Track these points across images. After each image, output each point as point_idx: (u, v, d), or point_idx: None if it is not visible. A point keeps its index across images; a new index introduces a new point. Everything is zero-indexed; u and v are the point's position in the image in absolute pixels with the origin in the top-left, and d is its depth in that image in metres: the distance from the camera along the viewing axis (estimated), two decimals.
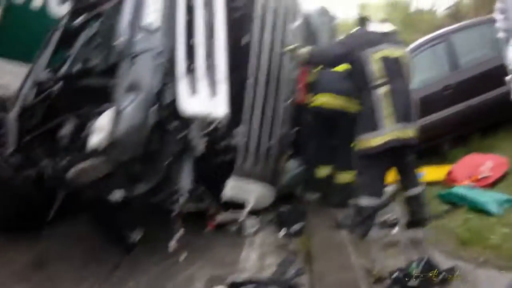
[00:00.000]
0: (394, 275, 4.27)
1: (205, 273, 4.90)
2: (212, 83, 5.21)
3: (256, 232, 5.96)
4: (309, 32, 7.18)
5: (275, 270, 4.84)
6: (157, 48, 5.05)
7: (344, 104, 6.36)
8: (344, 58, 5.58)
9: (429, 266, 4.28)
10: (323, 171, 6.76)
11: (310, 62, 6.00)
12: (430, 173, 7.25)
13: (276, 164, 6.35)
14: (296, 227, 5.92)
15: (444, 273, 4.26)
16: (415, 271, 4.19)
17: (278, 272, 4.80)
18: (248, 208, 6.05)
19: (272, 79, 6.23)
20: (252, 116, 6.05)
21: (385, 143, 5.22)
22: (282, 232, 5.91)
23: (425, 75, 8.74)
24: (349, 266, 4.63)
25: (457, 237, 5.29)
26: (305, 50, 5.93)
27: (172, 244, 5.12)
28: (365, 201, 5.41)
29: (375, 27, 5.59)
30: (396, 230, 5.77)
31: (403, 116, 5.23)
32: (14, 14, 7.92)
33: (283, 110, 6.33)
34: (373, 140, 5.30)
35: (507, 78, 5.76)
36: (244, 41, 6.39)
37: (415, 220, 5.53)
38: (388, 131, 5.22)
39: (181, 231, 5.12)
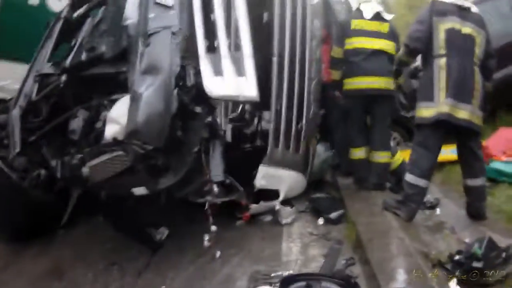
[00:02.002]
0: (456, 257, 3.99)
1: (245, 270, 4.46)
2: (238, 62, 4.73)
3: (292, 222, 5.53)
4: (327, 8, 6.72)
5: (323, 262, 4.42)
6: (174, 25, 4.58)
7: (383, 85, 6.05)
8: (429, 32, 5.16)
9: (491, 246, 3.98)
10: (358, 153, 6.34)
11: (411, 54, 5.48)
12: None
13: (306, 149, 5.95)
14: (334, 214, 5.51)
15: (505, 252, 3.99)
16: (479, 252, 3.86)
17: (326, 264, 4.37)
18: (281, 197, 5.64)
19: (297, 58, 5.81)
20: (279, 97, 5.62)
21: (434, 116, 4.91)
22: (321, 221, 5.51)
23: None
24: (407, 251, 4.21)
25: (507, 214, 5.07)
26: (400, 52, 5.61)
27: (206, 240, 4.69)
28: (412, 179, 5.04)
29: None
30: (438, 211, 5.55)
31: (456, 93, 4.88)
32: (12, 11, 7.40)
33: (311, 90, 5.90)
34: (425, 110, 5.01)
35: None
36: (265, 18, 5.95)
37: (470, 213, 5.20)
38: (438, 105, 4.90)
39: (214, 226, 4.66)
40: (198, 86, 4.50)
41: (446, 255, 4.11)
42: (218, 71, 4.59)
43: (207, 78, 4.52)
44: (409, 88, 7.40)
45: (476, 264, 3.78)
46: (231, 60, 4.70)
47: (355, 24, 6.26)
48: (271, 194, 5.65)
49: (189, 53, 4.59)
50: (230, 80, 4.61)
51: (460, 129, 4.98)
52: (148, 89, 4.23)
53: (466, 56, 4.99)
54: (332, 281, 3.73)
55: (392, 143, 7.19)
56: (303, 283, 3.68)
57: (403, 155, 6.49)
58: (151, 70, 4.34)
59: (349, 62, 6.23)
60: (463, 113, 4.88)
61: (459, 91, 4.89)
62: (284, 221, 5.50)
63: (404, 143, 7.52)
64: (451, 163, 6.42)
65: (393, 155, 6.41)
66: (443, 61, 4.95)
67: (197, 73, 4.52)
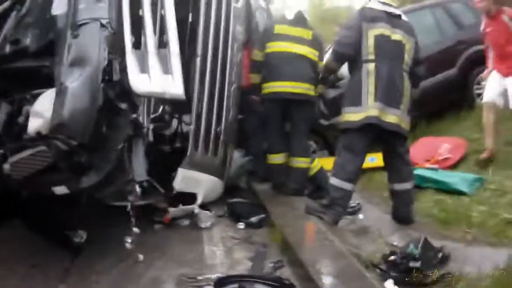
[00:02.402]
0: (391, 258, 4.01)
1: (170, 273, 4.32)
2: (164, 59, 4.62)
3: (211, 226, 5.46)
4: (249, 12, 6.70)
5: (252, 265, 4.39)
6: (103, 17, 4.41)
7: (302, 90, 6.07)
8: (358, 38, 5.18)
9: (427, 246, 4.06)
10: (276, 158, 6.35)
11: (340, 60, 5.47)
12: None
13: (224, 154, 5.88)
14: (255, 219, 5.51)
15: (440, 252, 4.09)
16: (415, 252, 3.92)
17: (254, 267, 4.33)
18: (199, 201, 5.55)
19: (219, 60, 5.75)
20: (200, 100, 5.53)
21: (362, 119, 4.96)
22: (241, 225, 5.49)
23: None
24: (338, 253, 4.25)
25: (435, 218, 5.21)
26: (328, 58, 5.68)
27: (128, 243, 4.51)
28: (337, 182, 5.09)
29: (380, 6, 5.23)
30: (361, 216, 5.61)
31: (385, 97, 4.96)
32: None
33: (231, 94, 5.85)
34: (353, 115, 5.05)
35: None
36: (190, 18, 5.85)
37: (397, 217, 5.31)
38: (366, 109, 4.96)
39: (137, 228, 4.51)
40: (124, 81, 4.34)
41: (378, 256, 4.15)
42: (144, 68, 4.46)
43: (133, 74, 4.39)
44: (328, 97, 7.46)
45: (414, 264, 3.82)
46: (158, 57, 4.58)
47: (278, 28, 6.28)
48: (188, 198, 5.55)
49: (115, 47, 4.42)
50: (156, 77, 4.49)
51: (388, 134, 5.06)
52: (75, 81, 4.03)
53: (395, 62, 5.08)
54: (266, 283, 3.68)
55: None
56: (236, 285, 3.61)
57: (320, 163, 6.54)
58: (78, 62, 4.14)
59: (270, 66, 6.22)
60: (391, 117, 4.95)
61: (388, 95, 4.97)
62: (203, 225, 5.43)
63: (321, 151, 7.58)
64: (370, 170, 6.56)
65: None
66: (372, 66, 5.01)
67: (123, 69, 4.37)
